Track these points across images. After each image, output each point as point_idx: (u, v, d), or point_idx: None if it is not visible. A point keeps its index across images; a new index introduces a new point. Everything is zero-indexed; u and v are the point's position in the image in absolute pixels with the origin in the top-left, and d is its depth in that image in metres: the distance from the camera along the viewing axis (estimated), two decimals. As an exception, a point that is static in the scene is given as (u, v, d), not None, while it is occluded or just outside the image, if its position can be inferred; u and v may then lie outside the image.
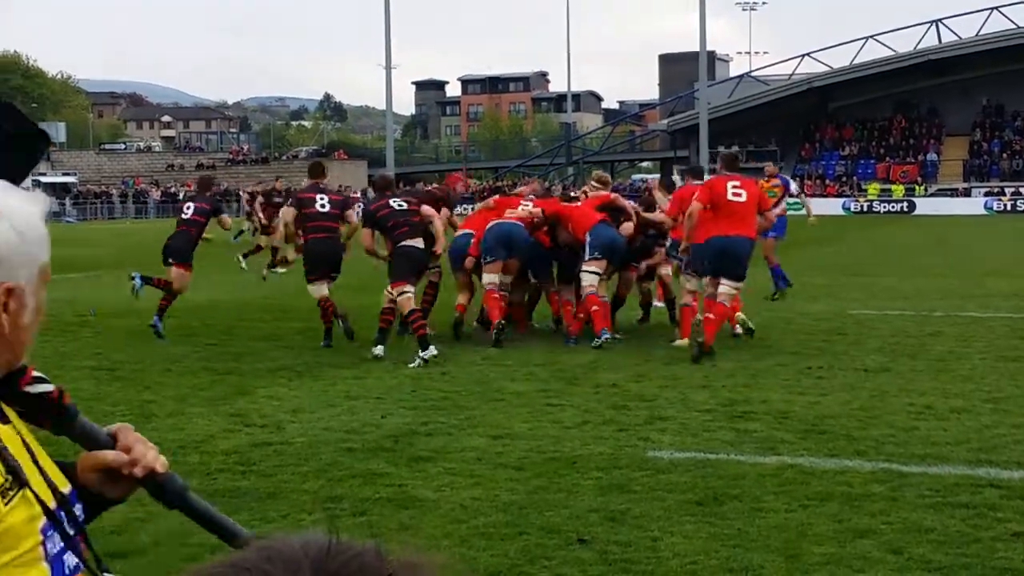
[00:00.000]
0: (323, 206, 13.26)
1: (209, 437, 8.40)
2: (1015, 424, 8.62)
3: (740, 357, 12.02)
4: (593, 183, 15.40)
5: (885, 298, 17.39)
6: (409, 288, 12.39)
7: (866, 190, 70.52)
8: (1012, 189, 68.88)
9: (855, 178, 73.44)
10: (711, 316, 12.24)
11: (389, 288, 12.55)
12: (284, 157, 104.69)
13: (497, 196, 17.97)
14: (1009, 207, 65.08)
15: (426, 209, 13.18)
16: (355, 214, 14.15)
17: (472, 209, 18.05)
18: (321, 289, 13.21)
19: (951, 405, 9.35)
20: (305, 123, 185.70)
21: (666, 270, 14.62)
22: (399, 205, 12.85)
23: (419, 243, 12.74)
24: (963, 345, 12.73)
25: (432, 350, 11.70)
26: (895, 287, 19.54)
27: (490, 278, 13.62)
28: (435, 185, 15.49)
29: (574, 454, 7.79)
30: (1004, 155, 74.54)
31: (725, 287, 12.38)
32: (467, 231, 14.48)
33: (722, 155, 13.78)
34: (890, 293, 17.97)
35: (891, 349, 12.50)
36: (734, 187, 12.60)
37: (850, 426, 8.59)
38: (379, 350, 12.19)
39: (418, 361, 11.61)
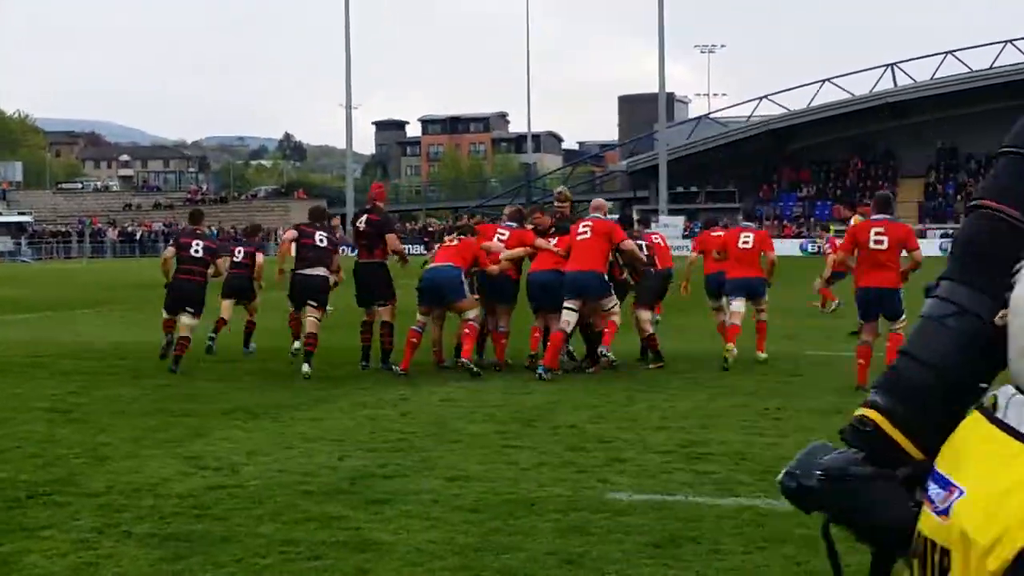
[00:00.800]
0: (196, 251, 14.91)
1: (164, 480, 8.30)
2: (970, 465, 8.66)
3: (697, 398, 12.05)
4: (556, 203, 15.45)
5: (840, 339, 17.49)
6: (311, 314, 13.94)
7: (830, 228, 70.99)
8: (967, 231, 69.64)
9: (816, 217, 73.92)
10: (890, 346, 12.39)
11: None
12: (243, 197, 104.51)
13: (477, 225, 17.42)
14: (964, 248, 65.76)
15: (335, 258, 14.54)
16: (225, 263, 16.11)
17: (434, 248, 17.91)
18: (183, 320, 14.72)
19: (906, 446, 9.38)
20: (265, 162, 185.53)
21: (643, 314, 14.64)
22: (320, 240, 14.20)
23: (318, 271, 14.05)
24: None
25: (306, 368, 13.52)
26: (851, 328, 19.62)
27: (422, 319, 14.20)
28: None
29: (531, 496, 7.76)
30: (959, 197, 75.49)
31: (893, 325, 12.75)
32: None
33: (876, 196, 13.66)
34: (845, 334, 18.05)
35: (845, 390, 12.58)
36: (876, 233, 12.62)
37: (807, 467, 8.59)
38: (305, 368, 13.55)
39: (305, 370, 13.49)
